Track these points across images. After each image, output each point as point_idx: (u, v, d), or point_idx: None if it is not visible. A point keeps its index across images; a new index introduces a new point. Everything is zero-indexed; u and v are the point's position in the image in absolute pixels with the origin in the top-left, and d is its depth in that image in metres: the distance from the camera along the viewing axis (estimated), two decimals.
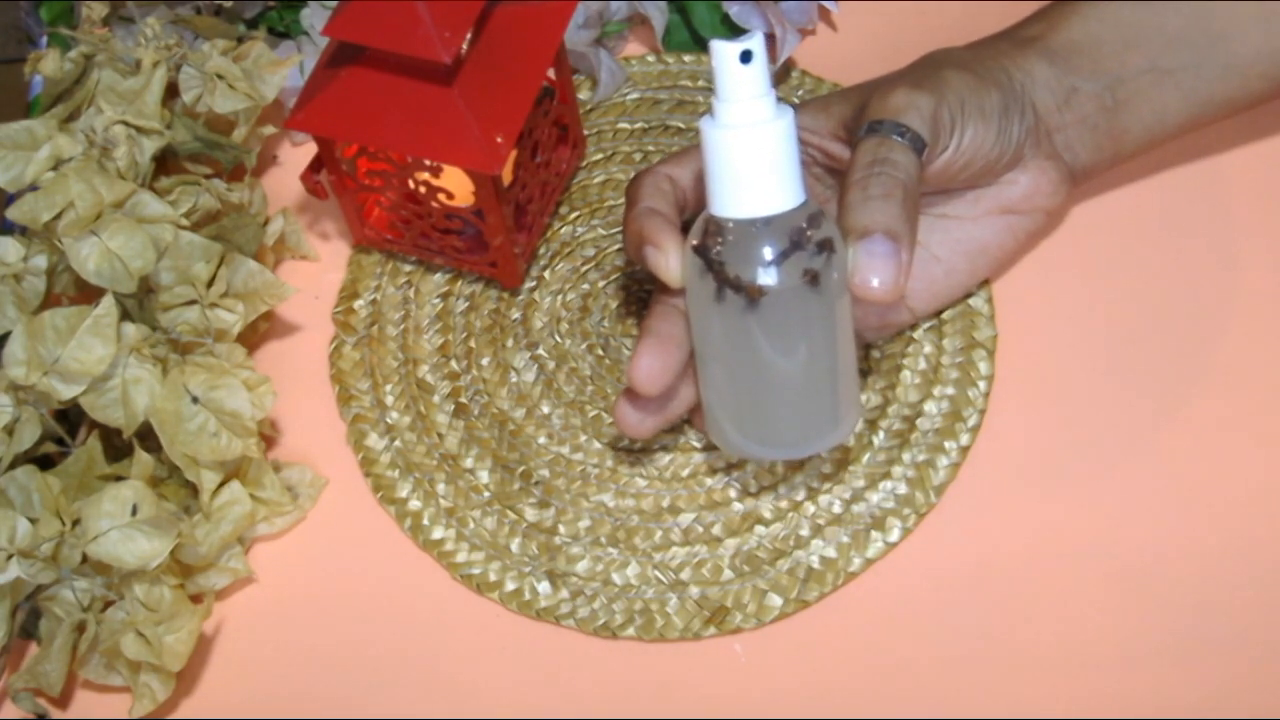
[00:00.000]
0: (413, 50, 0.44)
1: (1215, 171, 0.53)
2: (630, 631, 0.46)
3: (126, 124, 0.49)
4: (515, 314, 0.53)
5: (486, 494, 0.49)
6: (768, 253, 0.38)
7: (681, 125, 0.57)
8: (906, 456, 0.48)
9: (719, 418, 0.43)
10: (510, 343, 0.52)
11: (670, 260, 0.41)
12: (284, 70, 0.53)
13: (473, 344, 0.53)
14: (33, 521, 0.43)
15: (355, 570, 0.49)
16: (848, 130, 0.44)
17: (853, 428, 0.43)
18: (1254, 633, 0.44)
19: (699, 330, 0.41)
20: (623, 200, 0.55)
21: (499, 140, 0.46)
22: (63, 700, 0.47)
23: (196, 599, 0.46)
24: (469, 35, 0.46)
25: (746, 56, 0.37)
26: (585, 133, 0.57)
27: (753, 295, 0.39)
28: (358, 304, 0.54)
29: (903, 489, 0.48)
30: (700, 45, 0.59)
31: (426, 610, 0.48)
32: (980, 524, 0.47)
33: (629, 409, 0.44)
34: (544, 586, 0.47)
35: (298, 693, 0.46)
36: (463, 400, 0.52)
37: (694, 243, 0.40)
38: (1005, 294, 0.51)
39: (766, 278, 0.39)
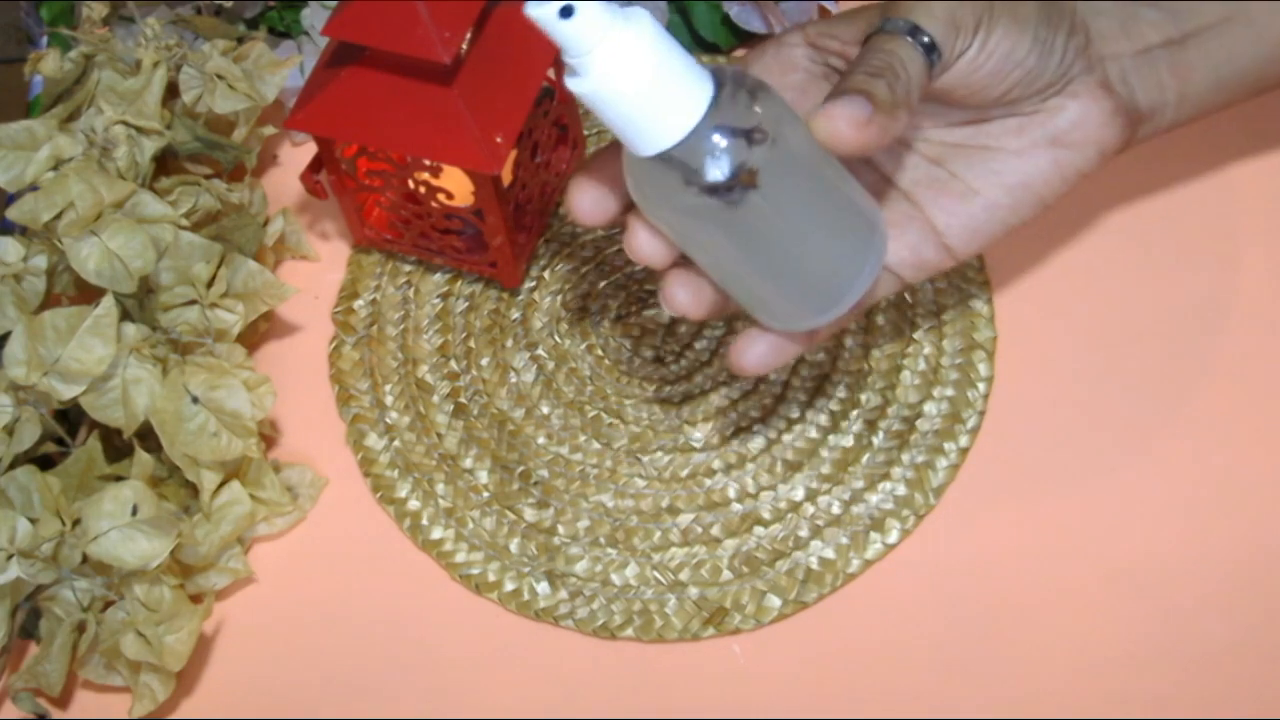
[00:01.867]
0: (413, 50, 0.44)
1: (1215, 172, 0.53)
2: (629, 632, 0.46)
3: (126, 124, 0.49)
4: (515, 314, 0.53)
5: (486, 494, 0.49)
6: (721, 144, 0.35)
7: None
8: (905, 458, 0.48)
9: (777, 313, 0.40)
10: (510, 343, 0.53)
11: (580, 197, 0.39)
12: (284, 70, 0.53)
13: (472, 344, 0.53)
14: (33, 521, 0.44)
15: (355, 570, 0.49)
16: None
17: (881, 247, 0.40)
18: (1254, 633, 0.44)
19: (713, 254, 0.39)
20: None
21: (499, 140, 0.46)
22: (63, 700, 0.47)
23: (196, 599, 0.46)
24: (469, 35, 0.46)
25: (567, 12, 0.33)
26: (585, 133, 0.57)
27: (748, 182, 0.35)
28: (357, 304, 0.54)
29: (902, 490, 0.48)
30: (701, 45, 0.59)
31: (426, 610, 0.48)
32: (979, 526, 0.47)
33: (677, 288, 0.41)
34: (543, 587, 0.47)
35: (298, 693, 0.47)
36: (462, 400, 0.52)
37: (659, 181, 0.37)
38: (1005, 294, 0.51)
39: (739, 162, 0.35)
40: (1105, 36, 0.42)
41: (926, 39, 0.38)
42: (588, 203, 0.39)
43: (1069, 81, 0.41)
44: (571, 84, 0.34)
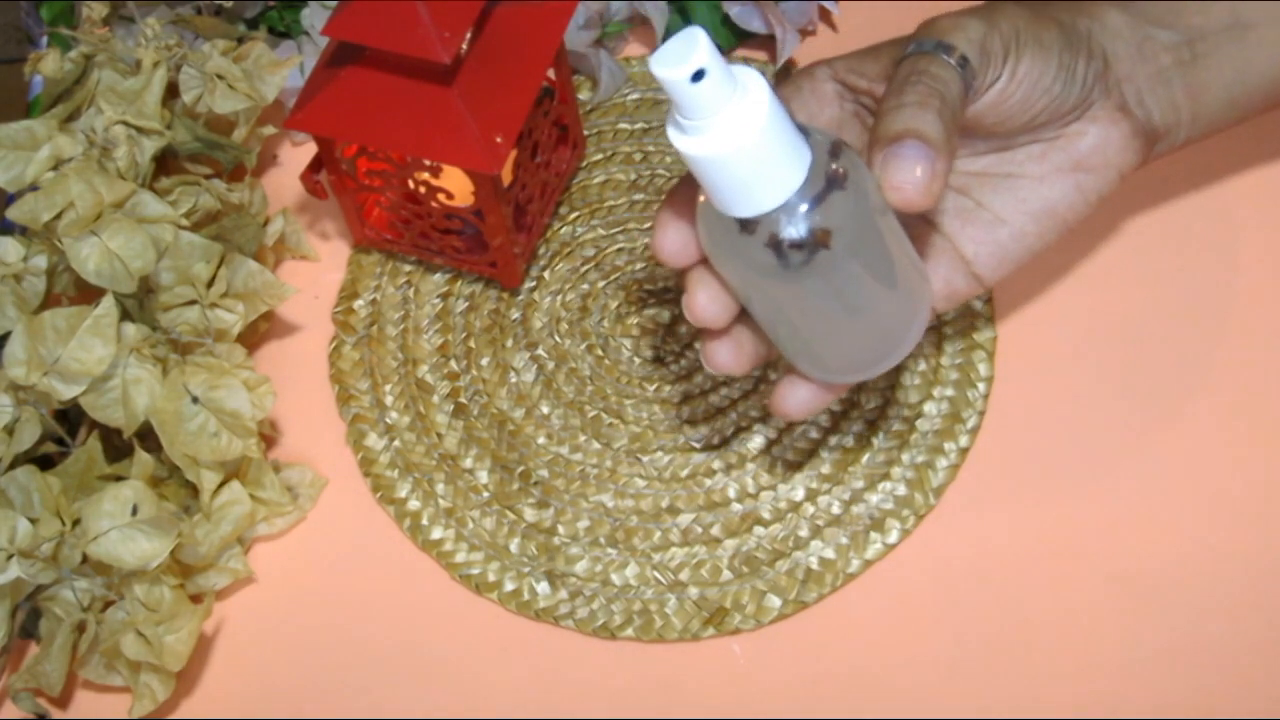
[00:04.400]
0: (412, 50, 0.44)
1: (1215, 172, 0.53)
2: (629, 632, 0.46)
3: (126, 124, 0.49)
4: (515, 314, 0.53)
5: (485, 494, 0.49)
6: (807, 211, 0.35)
7: None
8: (905, 458, 0.48)
9: (828, 366, 0.41)
10: (510, 343, 0.53)
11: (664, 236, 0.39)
12: (284, 70, 0.53)
13: (472, 344, 0.53)
14: (33, 521, 0.44)
15: (355, 570, 0.49)
16: None
17: (929, 304, 0.41)
18: (1253, 633, 0.44)
19: (776, 309, 0.39)
20: (622, 201, 0.55)
21: (499, 140, 0.46)
22: (63, 700, 0.47)
23: (196, 599, 0.46)
24: (469, 35, 0.46)
25: (699, 76, 0.32)
26: (585, 133, 0.57)
27: (824, 243, 0.36)
28: (357, 304, 0.54)
29: (902, 490, 0.48)
30: None
31: (426, 610, 0.48)
32: (979, 526, 0.47)
33: (719, 347, 0.41)
34: (543, 587, 0.47)
35: (298, 693, 0.47)
36: (462, 400, 0.52)
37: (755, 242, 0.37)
38: (1005, 295, 0.51)
39: (822, 222, 0.36)
40: (1121, 59, 0.43)
41: (962, 59, 0.38)
42: (673, 244, 0.39)
43: (1089, 106, 0.42)
44: (681, 143, 0.34)
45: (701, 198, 0.37)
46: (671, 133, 0.34)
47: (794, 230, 0.35)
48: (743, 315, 0.40)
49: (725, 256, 0.37)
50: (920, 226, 0.43)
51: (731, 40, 0.58)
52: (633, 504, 0.49)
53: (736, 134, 0.33)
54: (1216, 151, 0.53)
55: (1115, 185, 0.43)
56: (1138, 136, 0.43)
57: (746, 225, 0.35)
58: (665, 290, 0.53)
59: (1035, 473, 0.48)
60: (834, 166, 0.36)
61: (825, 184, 0.35)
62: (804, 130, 0.36)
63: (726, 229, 0.36)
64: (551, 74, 0.51)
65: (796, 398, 0.42)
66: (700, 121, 0.33)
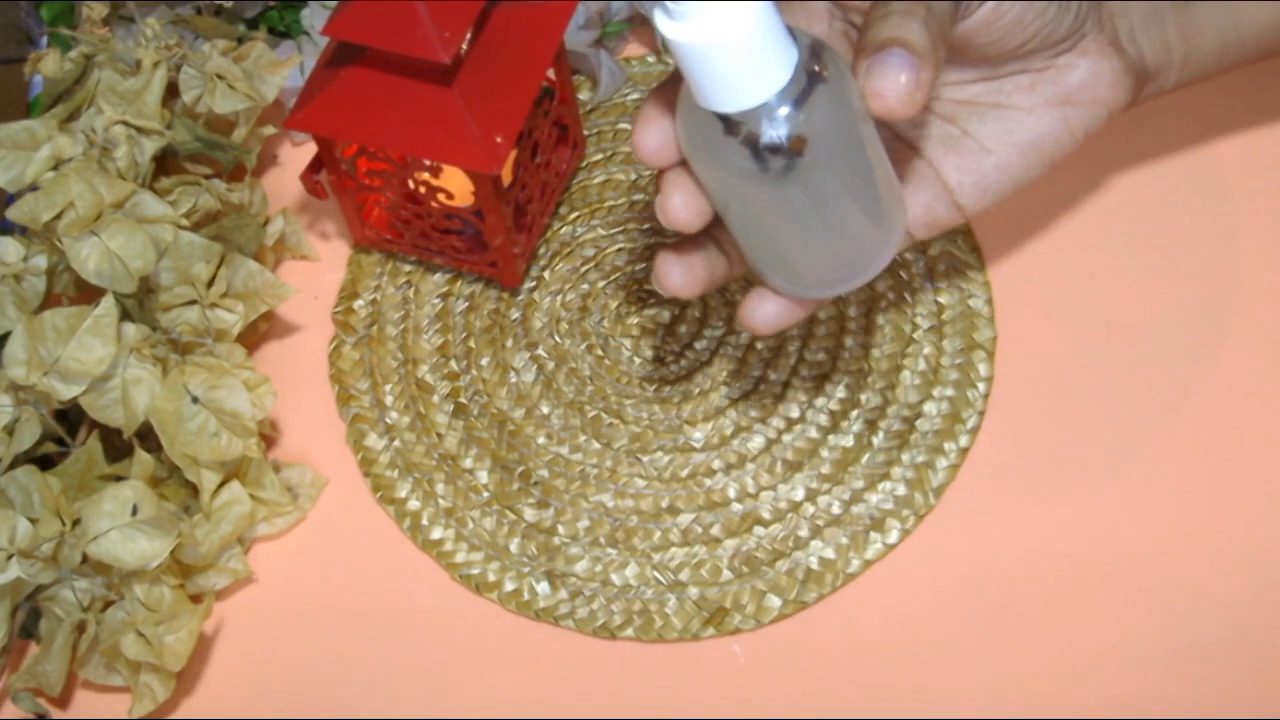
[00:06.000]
0: (412, 50, 0.44)
1: (1215, 170, 0.53)
2: (629, 632, 0.46)
3: (126, 124, 0.49)
4: (515, 314, 0.53)
5: (485, 494, 0.49)
6: (791, 112, 0.35)
7: None
8: (905, 458, 0.48)
9: (800, 278, 0.41)
10: (510, 343, 0.53)
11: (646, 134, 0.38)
12: (284, 70, 0.53)
13: (472, 344, 0.53)
14: (33, 521, 0.44)
15: (354, 570, 0.49)
16: None
17: (903, 223, 0.41)
18: (1254, 634, 0.44)
19: (753, 216, 0.39)
20: (622, 201, 0.55)
21: (499, 140, 0.46)
22: (63, 700, 0.47)
23: (196, 599, 0.46)
24: (469, 35, 0.46)
25: None
26: (585, 133, 0.57)
27: (800, 149, 0.35)
28: (357, 304, 0.54)
29: (902, 490, 0.48)
30: None
31: (425, 610, 0.48)
32: (979, 526, 0.47)
33: (672, 261, 0.40)
34: (543, 587, 0.47)
35: (298, 693, 0.47)
36: (462, 400, 0.52)
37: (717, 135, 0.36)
38: (1005, 295, 0.51)
39: (804, 124, 0.35)
40: None
41: None
42: (654, 141, 0.38)
43: (1081, 38, 0.41)
44: (668, 29, 0.33)
45: (683, 99, 0.36)
46: (659, 18, 0.33)
47: (775, 131, 0.34)
48: (702, 235, 0.39)
49: (704, 157, 0.36)
50: (904, 151, 0.42)
51: None
52: (633, 504, 0.49)
53: (727, 23, 0.32)
54: (1218, 148, 0.53)
55: (1103, 123, 0.43)
56: (1128, 74, 0.42)
57: (728, 124, 0.35)
58: None
59: (1035, 473, 0.48)
60: (816, 68, 0.35)
61: (808, 85, 0.35)
62: (790, 31, 0.35)
63: (707, 128, 0.35)
64: (551, 74, 0.51)
65: (764, 311, 0.41)
66: (691, 6, 0.32)
